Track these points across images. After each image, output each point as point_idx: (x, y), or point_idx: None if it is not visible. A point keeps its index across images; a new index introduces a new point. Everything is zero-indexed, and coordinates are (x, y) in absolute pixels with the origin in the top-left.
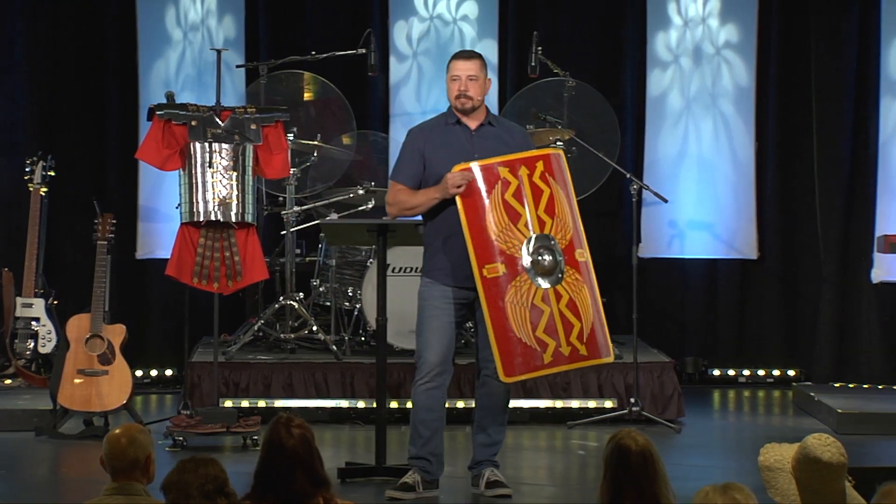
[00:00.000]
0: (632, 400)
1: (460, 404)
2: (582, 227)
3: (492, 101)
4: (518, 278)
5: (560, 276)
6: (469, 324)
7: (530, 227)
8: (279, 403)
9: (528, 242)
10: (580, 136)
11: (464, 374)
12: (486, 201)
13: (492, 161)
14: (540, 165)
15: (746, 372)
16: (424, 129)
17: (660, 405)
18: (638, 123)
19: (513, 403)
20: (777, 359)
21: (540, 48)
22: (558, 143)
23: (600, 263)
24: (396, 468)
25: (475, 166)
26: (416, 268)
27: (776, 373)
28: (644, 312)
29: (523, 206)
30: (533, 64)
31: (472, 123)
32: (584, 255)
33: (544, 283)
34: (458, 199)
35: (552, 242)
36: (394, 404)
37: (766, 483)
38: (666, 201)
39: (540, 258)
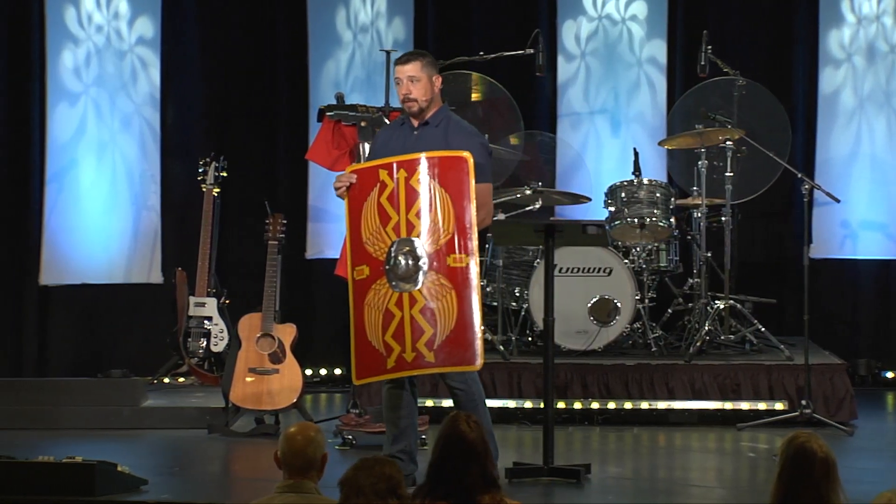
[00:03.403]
0: (803, 402)
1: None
2: (473, 232)
3: (660, 100)
4: (378, 281)
5: (419, 280)
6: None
7: (397, 231)
8: (447, 403)
9: (392, 246)
10: (750, 135)
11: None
12: (364, 203)
13: (375, 163)
14: (422, 168)
15: None
16: (383, 129)
17: (832, 407)
18: (809, 122)
19: (681, 405)
20: None
21: (709, 47)
22: (728, 143)
23: (770, 264)
24: (564, 469)
25: (360, 168)
26: (583, 268)
27: None
28: (815, 314)
29: (395, 209)
30: (702, 63)
31: (416, 123)
32: (462, 260)
33: (400, 288)
34: (345, 201)
35: (416, 247)
36: (561, 405)
37: None
38: (838, 201)
39: (400, 262)
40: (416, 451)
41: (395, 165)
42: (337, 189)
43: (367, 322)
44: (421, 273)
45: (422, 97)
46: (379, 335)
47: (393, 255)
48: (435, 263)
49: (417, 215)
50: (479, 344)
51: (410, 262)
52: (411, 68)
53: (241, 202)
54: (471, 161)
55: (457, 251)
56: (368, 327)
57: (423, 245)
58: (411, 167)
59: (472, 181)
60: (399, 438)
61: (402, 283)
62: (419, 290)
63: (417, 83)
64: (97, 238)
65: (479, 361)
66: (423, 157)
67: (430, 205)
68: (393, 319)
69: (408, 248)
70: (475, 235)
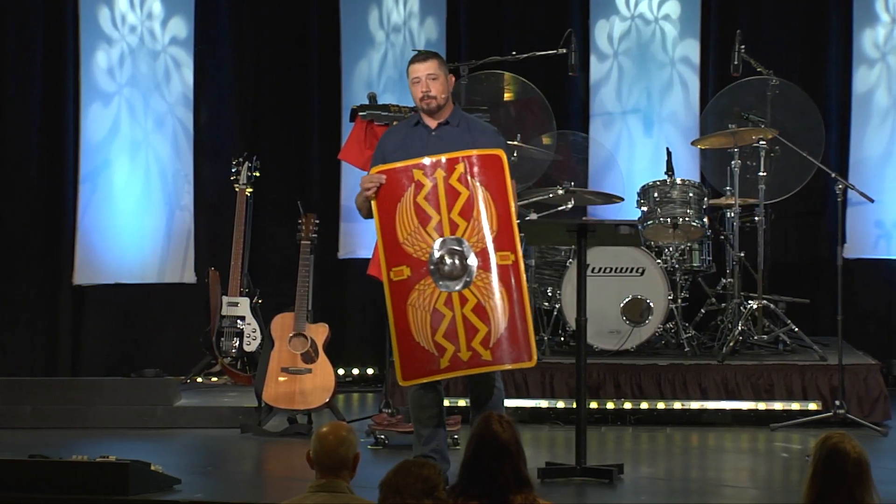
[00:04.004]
0: (837, 402)
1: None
2: (515, 229)
3: (693, 99)
4: (422, 282)
5: (468, 280)
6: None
7: (440, 231)
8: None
9: (436, 246)
10: (784, 135)
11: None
12: (398, 204)
13: (407, 163)
14: (460, 167)
15: None
16: (391, 131)
17: (865, 408)
18: (843, 122)
19: (714, 405)
20: None
21: (743, 46)
22: (761, 143)
23: (803, 264)
24: (597, 469)
25: (390, 168)
26: (615, 268)
27: None
28: (849, 314)
29: (435, 208)
30: (736, 62)
31: (433, 123)
32: (508, 257)
33: (448, 287)
34: (372, 202)
35: (462, 246)
36: (593, 405)
37: None
38: (872, 201)
39: (445, 262)
40: (447, 449)
41: (431, 165)
42: (367, 190)
43: (413, 323)
44: (469, 272)
45: (440, 95)
46: (428, 335)
47: (438, 254)
48: (483, 262)
49: (460, 214)
50: (532, 340)
51: (457, 261)
52: (430, 66)
53: (273, 202)
54: (505, 158)
55: (503, 248)
56: (415, 328)
57: (469, 244)
58: (449, 166)
59: (509, 178)
60: (431, 438)
61: (450, 283)
62: (469, 289)
63: (436, 81)
64: (130, 238)
65: (534, 357)
66: (460, 157)
67: (473, 203)
68: (443, 319)
69: (453, 248)
70: (517, 232)
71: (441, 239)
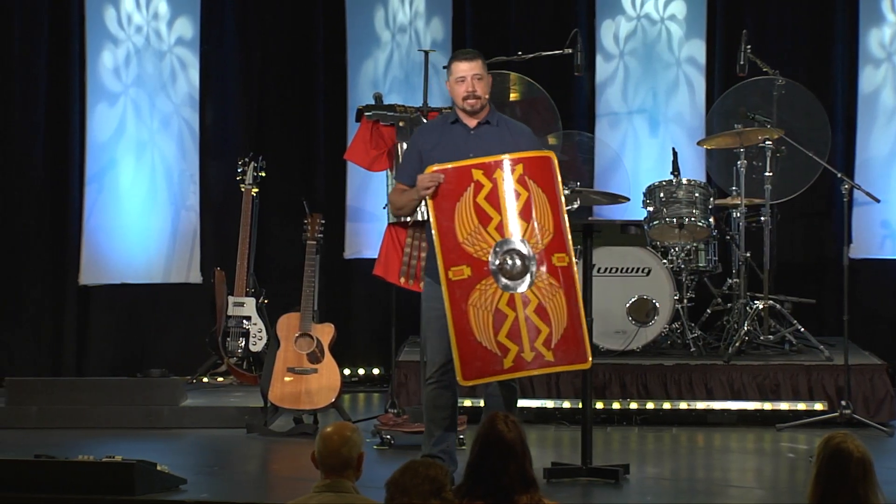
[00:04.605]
0: (843, 402)
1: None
2: (568, 231)
3: (699, 99)
4: (483, 282)
5: (530, 281)
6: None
7: (501, 231)
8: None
9: (497, 246)
10: (790, 135)
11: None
12: (456, 203)
13: (466, 163)
14: (519, 168)
15: None
16: (425, 128)
17: (871, 408)
18: (849, 122)
19: (720, 405)
20: None
21: (749, 46)
22: (767, 143)
23: (809, 264)
24: (603, 469)
25: (447, 168)
26: (621, 268)
27: None
28: (855, 314)
29: (496, 209)
30: (742, 62)
31: (472, 122)
32: (564, 259)
33: (511, 288)
34: (428, 200)
35: (524, 247)
36: (599, 405)
37: None
38: (878, 201)
39: (507, 262)
40: (456, 450)
41: (491, 165)
42: (425, 189)
43: (475, 323)
44: (530, 273)
45: (484, 95)
46: (490, 336)
47: (502, 255)
48: (543, 263)
49: (520, 215)
50: (587, 342)
51: (519, 262)
52: (475, 66)
53: (279, 202)
54: (556, 161)
55: (559, 250)
56: (476, 328)
57: (529, 245)
58: (508, 168)
59: (560, 180)
60: (442, 439)
61: (513, 284)
62: (531, 289)
63: (481, 81)
64: (136, 238)
65: (590, 359)
66: (518, 158)
67: (533, 205)
68: (506, 320)
69: (515, 249)
70: (569, 234)
71: (502, 239)
